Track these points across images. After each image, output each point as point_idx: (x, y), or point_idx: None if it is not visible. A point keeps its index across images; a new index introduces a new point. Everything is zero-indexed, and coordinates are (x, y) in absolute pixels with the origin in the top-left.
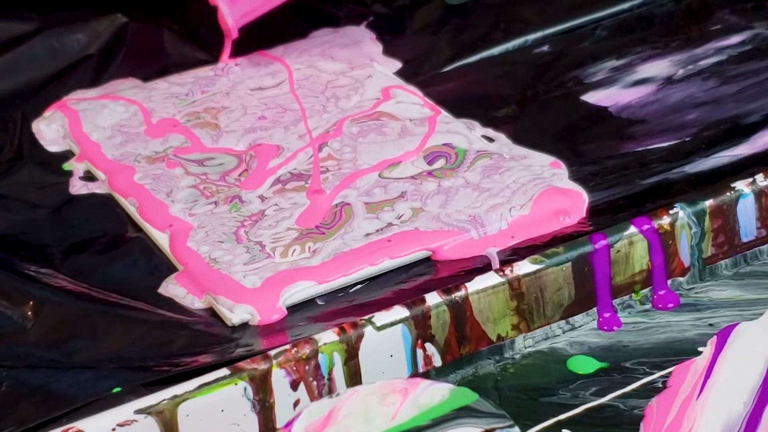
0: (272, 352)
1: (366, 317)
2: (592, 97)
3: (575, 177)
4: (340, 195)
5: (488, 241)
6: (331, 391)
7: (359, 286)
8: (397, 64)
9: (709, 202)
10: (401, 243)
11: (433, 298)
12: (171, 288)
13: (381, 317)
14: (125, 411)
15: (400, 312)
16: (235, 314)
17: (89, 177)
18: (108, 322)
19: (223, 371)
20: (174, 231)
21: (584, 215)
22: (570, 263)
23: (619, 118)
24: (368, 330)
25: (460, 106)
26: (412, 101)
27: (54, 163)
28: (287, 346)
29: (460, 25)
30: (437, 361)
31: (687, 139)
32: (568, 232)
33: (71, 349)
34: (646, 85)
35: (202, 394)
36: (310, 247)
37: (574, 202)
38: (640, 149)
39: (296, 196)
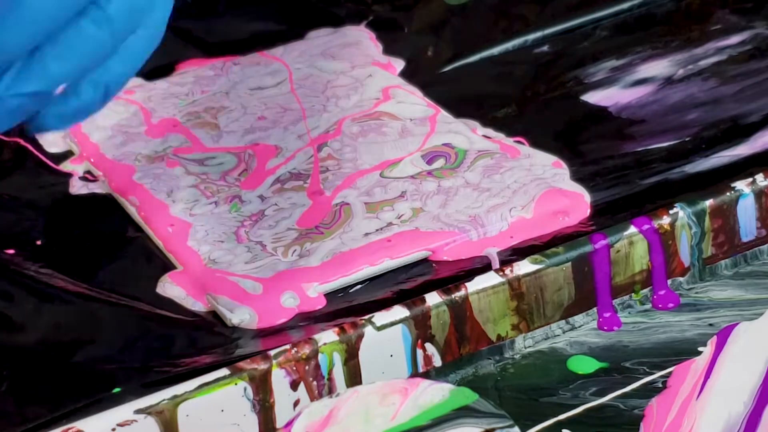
0: (272, 352)
1: (366, 317)
2: (592, 97)
3: (575, 177)
4: (340, 195)
5: (488, 241)
6: (331, 391)
7: (359, 286)
8: (401, 63)
9: (709, 202)
10: (401, 243)
11: (433, 298)
12: (170, 288)
13: (381, 317)
14: (125, 411)
15: (400, 312)
16: (235, 315)
17: (89, 177)
18: (108, 322)
19: (223, 371)
20: (174, 231)
21: (586, 216)
22: (570, 263)
23: (619, 118)
24: (368, 330)
25: (460, 106)
26: (412, 101)
27: (54, 163)
28: (287, 346)
29: (460, 25)
30: (437, 361)
31: (687, 139)
32: (568, 232)
33: (71, 349)
34: (646, 85)
35: (202, 394)
36: (306, 247)
37: (576, 203)
38: (640, 149)
39: (295, 195)
